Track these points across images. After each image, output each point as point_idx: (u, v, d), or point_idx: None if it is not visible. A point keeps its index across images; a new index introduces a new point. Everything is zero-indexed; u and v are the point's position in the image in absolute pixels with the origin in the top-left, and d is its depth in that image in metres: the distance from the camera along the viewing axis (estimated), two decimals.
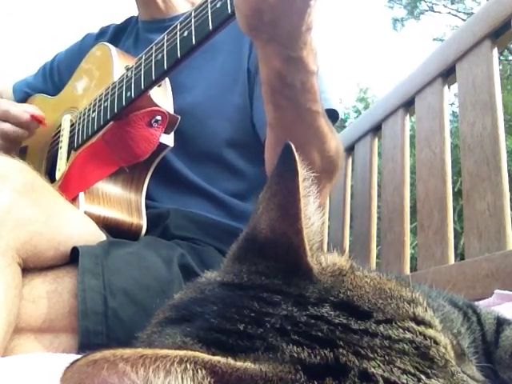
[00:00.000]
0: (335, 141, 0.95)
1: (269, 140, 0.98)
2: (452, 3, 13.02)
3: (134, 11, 1.44)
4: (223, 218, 1.16)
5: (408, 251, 1.49)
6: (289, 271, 0.41)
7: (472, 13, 10.84)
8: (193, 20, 0.93)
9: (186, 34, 0.94)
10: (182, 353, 0.32)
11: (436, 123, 1.45)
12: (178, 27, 0.97)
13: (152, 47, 1.04)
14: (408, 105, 1.63)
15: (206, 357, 0.32)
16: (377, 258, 1.68)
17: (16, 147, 1.33)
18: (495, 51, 1.30)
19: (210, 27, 0.88)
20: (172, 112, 1.11)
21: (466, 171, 1.28)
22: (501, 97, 1.26)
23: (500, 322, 0.64)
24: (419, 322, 0.37)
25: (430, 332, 0.36)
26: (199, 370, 0.32)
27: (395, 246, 1.51)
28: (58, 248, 0.84)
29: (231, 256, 0.47)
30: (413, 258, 1.75)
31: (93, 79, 1.27)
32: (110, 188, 1.11)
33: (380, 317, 0.36)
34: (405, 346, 0.35)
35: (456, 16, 12.77)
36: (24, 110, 1.25)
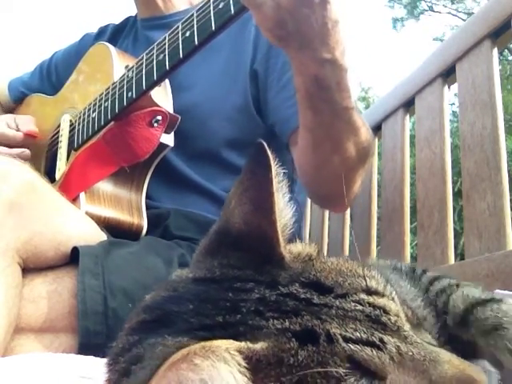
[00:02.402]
0: (367, 131, 0.96)
1: (305, 143, 0.97)
2: (452, 3, 13.00)
3: (132, 11, 1.44)
4: None
5: (408, 251, 1.48)
6: (261, 261, 0.43)
7: (472, 13, 10.83)
8: (195, 20, 0.93)
9: (188, 34, 0.94)
10: (224, 343, 0.34)
11: (436, 123, 1.45)
12: (180, 27, 0.97)
13: (153, 47, 1.04)
14: (408, 105, 1.62)
15: (243, 344, 0.35)
16: (377, 258, 1.68)
17: None
18: (495, 51, 1.29)
19: (213, 28, 0.88)
20: (172, 112, 1.11)
21: (466, 171, 1.28)
22: (501, 97, 1.25)
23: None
24: (371, 292, 0.41)
25: (380, 301, 0.41)
26: (242, 359, 0.35)
27: (395, 246, 1.51)
28: (59, 248, 0.84)
29: (202, 251, 0.49)
30: (413, 258, 1.75)
31: (92, 79, 1.26)
32: (110, 188, 1.11)
33: (339, 291, 0.41)
34: (357, 314, 0.39)
35: (456, 16, 12.75)
36: (17, 131, 1.25)
